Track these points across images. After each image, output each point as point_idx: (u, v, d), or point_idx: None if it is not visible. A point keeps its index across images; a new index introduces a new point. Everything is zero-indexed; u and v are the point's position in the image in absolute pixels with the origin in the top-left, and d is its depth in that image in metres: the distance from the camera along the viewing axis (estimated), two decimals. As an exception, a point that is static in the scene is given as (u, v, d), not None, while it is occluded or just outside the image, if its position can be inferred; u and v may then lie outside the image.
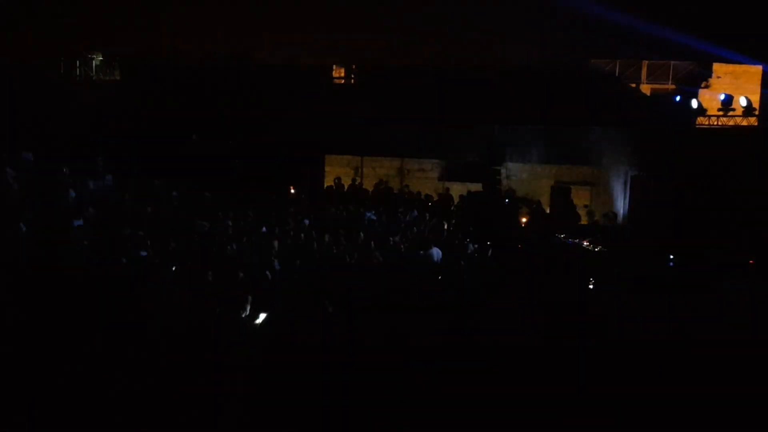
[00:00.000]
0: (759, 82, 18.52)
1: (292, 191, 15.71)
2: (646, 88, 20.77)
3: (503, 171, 16.82)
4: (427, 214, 14.71)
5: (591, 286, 9.18)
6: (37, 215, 10.61)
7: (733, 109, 13.25)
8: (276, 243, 10.75)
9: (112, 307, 7.24)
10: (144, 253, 9.60)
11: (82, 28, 20.61)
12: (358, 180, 19.63)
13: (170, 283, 8.41)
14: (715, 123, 13.80)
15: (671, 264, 10.77)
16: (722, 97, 13.78)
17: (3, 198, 11.07)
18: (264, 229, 11.89)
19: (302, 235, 11.81)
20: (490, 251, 11.89)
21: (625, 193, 16.83)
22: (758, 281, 10.17)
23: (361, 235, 12.06)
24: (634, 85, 20.66)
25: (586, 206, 17.13)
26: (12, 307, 6.92)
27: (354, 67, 21.92)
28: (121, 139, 17.54)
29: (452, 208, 16.70)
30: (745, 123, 13.08)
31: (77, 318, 6.96)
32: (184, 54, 21.38)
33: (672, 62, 20.64)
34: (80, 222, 10.57)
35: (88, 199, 11.93)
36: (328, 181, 19.45)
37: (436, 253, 11.23)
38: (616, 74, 20.77)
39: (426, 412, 5.47)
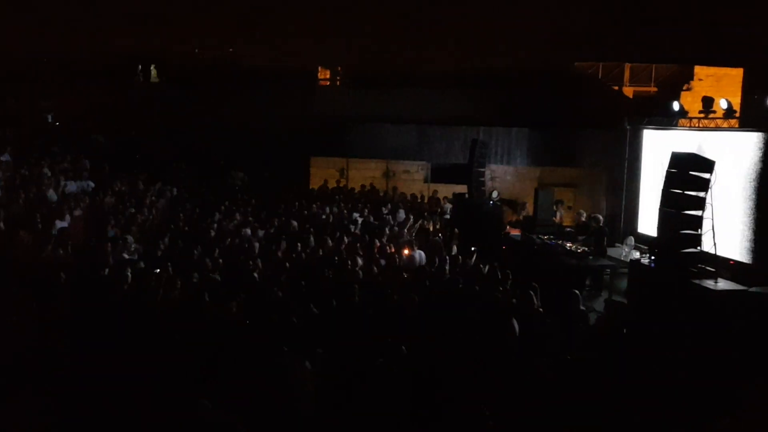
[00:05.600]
0: (740, 85, 18.78)
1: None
2: (628, 91, 20.97)
3: (488, 173, 16.90)
4: (412, 216, 14.76)
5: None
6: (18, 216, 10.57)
7: (714, 111, 13.37)
8: (257, 245, 10.75)
9: (97, 308, 7.22)
10: (127, 256, 9.58)
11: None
12: (343, 182, 19.65)
13: (155, 286, 8.39)
14: (697, 125, 13.93)
15: (652, 266, 10.85)
16: (703, 99, 13.93)
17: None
18: (248, 231, 11.88)
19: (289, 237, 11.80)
20: (476, 253, 11.94)
21: (607, 195, 16.96)
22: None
23: (345, 238, 12.07)
24: (616, 88, 20.86)
25: (569, 208, 17.25)
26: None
27: (339, 69, 21.98)
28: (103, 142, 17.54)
29: (438, 210, 16.75)
30: (725, 125, 13.21)
31: (60, 319, 6.94)
32: (172, 57, 21.38)
33: (654, 65, 20.88)
34: (64, 223, 10.53)
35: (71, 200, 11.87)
36: (314, 183, 19.46)
37: (419, 255, 11.27)
38: (599, 77, 20.95)
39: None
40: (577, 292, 8.87)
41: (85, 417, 5.15)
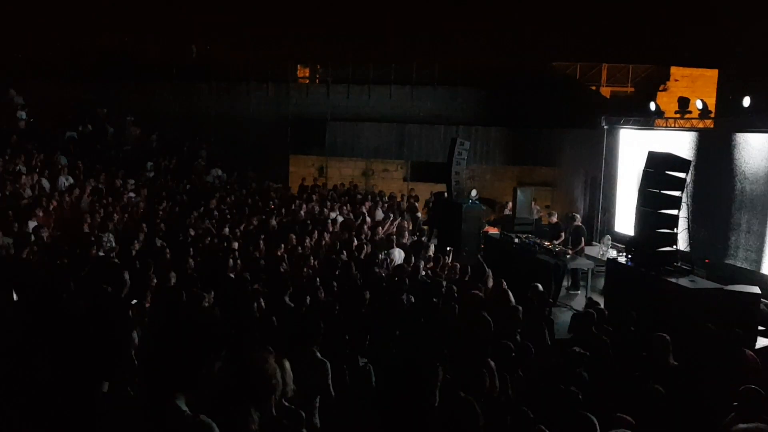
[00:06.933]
0: (715, 86, 19.01)
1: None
2: (605, 91, 21.15)
3: (467, 172, 16.96)
4: (391, 215, 14.77)
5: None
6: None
7: (690, 112, 13.56)
8: (236, 245, 10.66)
9: (69, 309, 7.12)
10: (102, 253, 9.46)
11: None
12: (322, 180, 19.60)
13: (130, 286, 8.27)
14: (673, 125, 14.11)
15: (629, 264, 10.95)
16: (679, 99, 14.13)
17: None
18: (226, 230, 11.79)
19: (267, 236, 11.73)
20: (452, 252, 11.96)
21: (585, 195, 17.12)
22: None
23: (326, 236, 12.03)
24: (594, 88, 21.02)
25: (547, 206, 17.36)
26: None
27: (318, 66, 21.89)
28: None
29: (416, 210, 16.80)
30: (701, 125, 13.41)
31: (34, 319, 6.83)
32: (149, 54, 21.12)
33: (631, 65, 21.07)
34: (39, 222, 10.36)
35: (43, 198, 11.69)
36: (293, 182, 19.38)
37: (398, 254, 11.24)
38: (577, 77, 21.09)
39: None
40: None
41: (63, 417, 5.08)
